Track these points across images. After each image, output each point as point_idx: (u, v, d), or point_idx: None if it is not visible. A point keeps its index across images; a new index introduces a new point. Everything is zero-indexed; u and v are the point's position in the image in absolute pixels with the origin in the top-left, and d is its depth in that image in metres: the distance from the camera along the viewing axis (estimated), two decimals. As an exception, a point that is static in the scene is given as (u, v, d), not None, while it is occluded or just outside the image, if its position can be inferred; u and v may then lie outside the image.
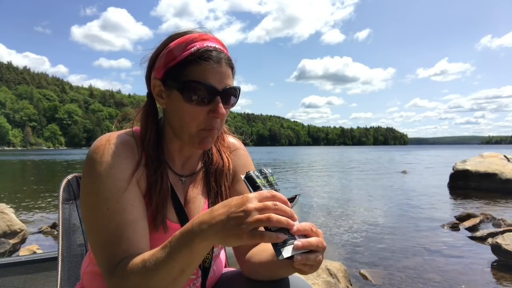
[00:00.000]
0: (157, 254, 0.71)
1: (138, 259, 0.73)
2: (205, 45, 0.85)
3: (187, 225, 0.69)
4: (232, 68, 0.90)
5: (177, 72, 0.85)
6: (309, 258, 0.67)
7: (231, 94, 0.89)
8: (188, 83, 0.83)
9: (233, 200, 0.67)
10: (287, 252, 0.65)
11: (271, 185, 0.74)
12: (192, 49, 0.84)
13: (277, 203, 0.65)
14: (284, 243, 0.66)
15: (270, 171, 0.76)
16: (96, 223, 0.80)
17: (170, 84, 0.86)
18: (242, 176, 0.74)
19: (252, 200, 0.65)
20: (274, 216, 0.63)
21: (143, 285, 0.70)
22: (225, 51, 0.88)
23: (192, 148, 0.95)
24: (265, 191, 0.68)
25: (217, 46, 0.87)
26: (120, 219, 0.79)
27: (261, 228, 0.66)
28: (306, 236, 0.68)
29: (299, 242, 0.66)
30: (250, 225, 0.63)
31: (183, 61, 0.84)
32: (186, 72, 0.84)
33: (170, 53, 0.86)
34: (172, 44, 0.86)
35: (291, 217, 0.66)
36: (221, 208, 0.67)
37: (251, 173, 0.73)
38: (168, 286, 0.70)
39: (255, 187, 0.72)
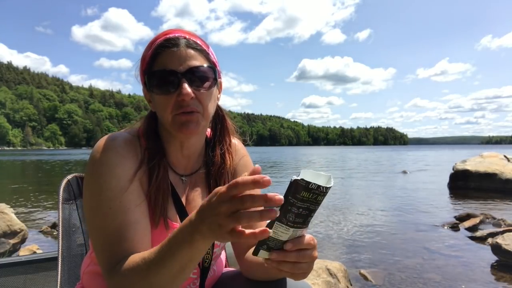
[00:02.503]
0: (156, 252, 0.70)
1: (138, 258, 0.73)
2: (164, 38, 0.86)
3: (186, 222, 0.66)
4: (198, 50, 0.87)
5: (148, 72, 0.87)
6: (284, 266, 0.68)
7: (197, 73, 0.85)
8: (150, 75, 0.86)
9: (207, 203, 0.61)
10: (262, 254, 0.68)
11: (312, 205, 0.60)
12: (154, 45, 0.87)
13: (246, 196, 0.56)
14: (268, 248, 0.67)
15: (326, 190, 0.59)
16: (98, 222, 0.80)
17: (147, 86, 0.89)
18: (293, 177, 0.58)
19: (223, 200, 0.57)
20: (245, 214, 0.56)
21: (143, 283, 0.70)
22: (186, 36, 0.87)
23: (180, 136, 0.91)
24: (223, 188, 0.58)
25: (176, 35, 0.87)
26: (123, 219, 0.79)
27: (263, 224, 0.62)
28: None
29: (275, 255, 0.67)
30: (228, 227, 0.58)
31: (150, 59, 0.87)
32: (153, 68, 0.86)
33: (142, 58, 0.90)
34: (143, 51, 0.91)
35: (269, 200, 0.55)
36: (206, 210, 0.61)
37: (301, 181, 0.57)
38: (167, 284, 0.70)
39: (291, 198, 0.58)
